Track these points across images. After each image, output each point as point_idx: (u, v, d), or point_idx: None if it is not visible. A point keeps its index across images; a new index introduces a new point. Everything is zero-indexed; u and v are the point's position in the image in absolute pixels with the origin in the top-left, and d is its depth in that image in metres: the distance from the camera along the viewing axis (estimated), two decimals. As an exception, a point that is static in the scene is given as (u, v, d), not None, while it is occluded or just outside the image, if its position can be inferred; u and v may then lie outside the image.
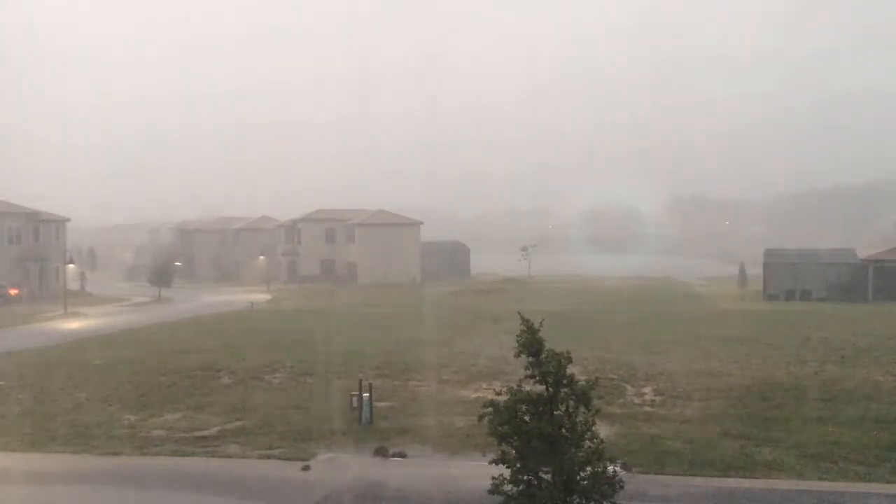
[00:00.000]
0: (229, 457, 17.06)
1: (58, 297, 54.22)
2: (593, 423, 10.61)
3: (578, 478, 10.26)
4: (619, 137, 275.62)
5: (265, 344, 32.96)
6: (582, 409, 10.45)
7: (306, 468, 15.97)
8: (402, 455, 16.81)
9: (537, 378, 10.47)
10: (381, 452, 16.88)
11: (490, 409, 10.50)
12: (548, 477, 10.29)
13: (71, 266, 58.90)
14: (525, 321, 10.60)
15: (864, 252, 61.04)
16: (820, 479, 14.94)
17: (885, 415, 19.33)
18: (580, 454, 10.31)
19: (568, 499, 10.21)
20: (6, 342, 34.91)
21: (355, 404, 19.25)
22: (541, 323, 10.71)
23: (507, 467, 10.38)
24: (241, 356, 29.48)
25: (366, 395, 19.26)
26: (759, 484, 14.76)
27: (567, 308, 46.83)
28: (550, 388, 10.35)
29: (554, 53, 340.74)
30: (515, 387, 10.65)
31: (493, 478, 10.46)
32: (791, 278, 58.43)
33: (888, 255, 57.65)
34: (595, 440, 10.52)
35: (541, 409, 10.29)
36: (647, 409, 20.71)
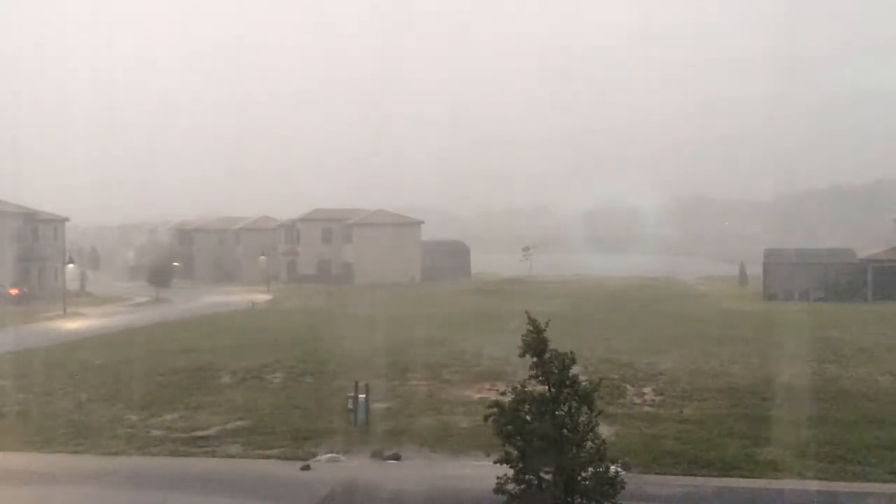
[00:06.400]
0: (229, 457, 17.06)
1: (57, 298, 54.20)
2: (596, 424, 10.61)
3: (580, 478, 10.27)
4: (620, 137, 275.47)
5: (265, 344, 32.94)
6: (584, 409, 10.46)
7: (305, 468, 15.97)
8: (396, 457, 16.77)
9: (540, 378, 10.48)
10: (377, 454, 16.86)
11: (495, 409, 10.51)
12: (550, 477, 10.30)
13: (70, 266, 58.86)
14: (531, 321, 10.61)
15: (863, 252, 61.07)
16: (820, 479, 14.95)
17: (884, 415, 19.35)
18: (582, 455, 10.31)
19: (569, 499, 10.22)
20: (6, 342, 34.88)
21: (350, 405, 19.19)
22: (546, 323, 10.71)
23: (511, 467, 10.39)
24: (241, 356, 29.47)
25: (361, 396, 19.18)
26: (759, 484, 14.77)
27: (567, 308, 46.80)
28: (553, 389, 10.35)
29: (555, 54, 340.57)
30: (519, 387, 10.66)
31: (498, 477, 10.49)
32: (790, 278, 58.46)
33: (887, 255, 57.69)
34: (597, 441, 10.53)
35: (543, 409, 10.29)
36: (648, 409, 20.73)
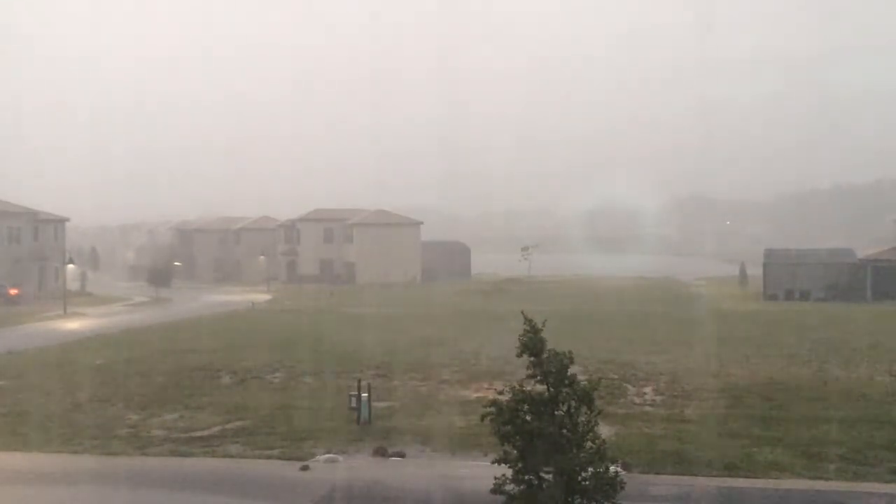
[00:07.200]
0: (229, 457, 17.06)
1: (58, 298, 54.21)
2: (595, 424, 10.59)
3: (580, 478, 10.26)
4: (620, 138, 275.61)
5: (265, 344, 32.95)
6: (584, 409, 10.44)
7: (305, 468, 15.97)
8: (401, 455, 16.82)
9: (538, 378, 10.47)
10: (380, 452, 16.89)
11: (493, 409, 10.49)
12: (549, 477, 10.28)
13: (71, 266, 58.89)
14: (528, 321, 10.59)
15: (863, 252, 61.10)
16: (820, 479, 14.95)
17: (885, 415, 19.34)
18: (582, 455, 10.30)
19: (569, 499, 10.21)
20: (6, 342, 34.89)
21: (353, 404, 19.27)
22: (543, 323, 10.71)
23: (510, 467, 10.38)
24: (241, 356, 29.49)
25: (364, 394, 19.27)
26: (759, 484, 14.76)
27: (567, 308, 46.82)
28: (552, 389, 10.34)
29: (555, 55, 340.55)
30: (517, 386, 10.64)
31: (496, 477, 10.46)
32: (790, 278, 58.49)
33: (887, 255, 57.72)
34: (597, 441, 10.51)
35: (542, 409, 10.28)
36: (648, 409, 20.73)
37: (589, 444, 10.43)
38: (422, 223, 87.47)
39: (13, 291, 58.13)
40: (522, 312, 10.84)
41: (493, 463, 10.69)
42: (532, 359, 10.48)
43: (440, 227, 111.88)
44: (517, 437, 10.31)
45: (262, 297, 63.93)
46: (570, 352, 10.61)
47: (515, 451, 10.38)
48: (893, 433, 17.60)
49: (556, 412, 10.34)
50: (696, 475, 15.24)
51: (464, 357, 28.86)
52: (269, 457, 16.91)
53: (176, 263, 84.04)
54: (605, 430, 13.36)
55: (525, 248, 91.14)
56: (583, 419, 10.46)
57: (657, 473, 15.34)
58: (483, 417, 10.70)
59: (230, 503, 14.81)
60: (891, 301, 51.69)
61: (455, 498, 14.19)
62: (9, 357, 30.82)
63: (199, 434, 18.68)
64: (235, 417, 20.13)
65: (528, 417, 10.34)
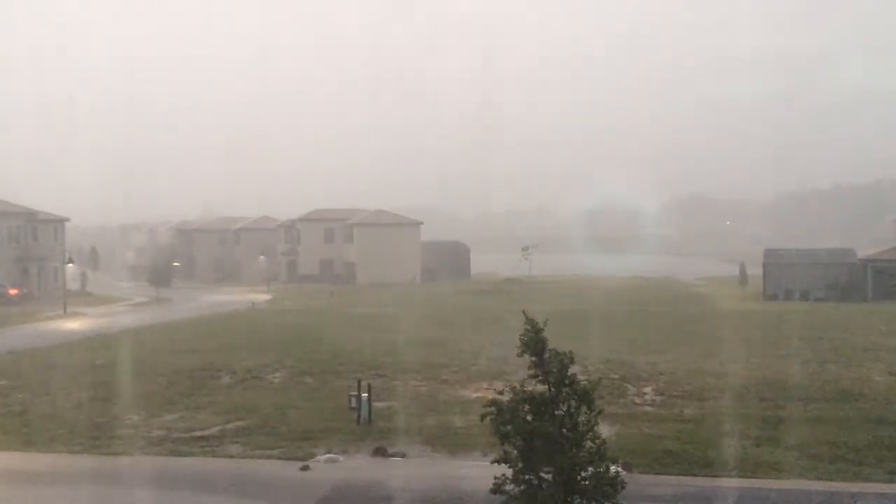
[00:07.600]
0: (230, 457, 17.07)
1: (57, 298, 54.20)
2: (595, 424, 10.58)
3: (580, 478, 10.25)
4: (619, 137, 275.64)
5: (265, 344, 32.94)
6: (584, 409, 10.44)
7: (305, 468, 15.97)
8: (401, 455, 16.82)
9: (539, 378, 10.47)
10: (380, 452, 16.89)
11: (493, 409, 10.48)
12: (549, 477, 10.28)
13: (70, 266, 58.88)
14: (529, 321, 10.59)
15: (863, 252, 61.12)
16: (820, 479, 14.95)
17: (885, 415, 19.34)
18: (582, 454, 10.29)
19: (569, 499, 10.20)
20: (6, 342, 34.88)
21: (353, 404, 19.28)
22: (544, 323, 10.70)
23: (509, 467, 10.37)
24: (241, 356, 29.48)
25: (364, 395, 19.28)
26: (759, 484, 14.77)
27: (567, 308, 46.80)
28: (552, 388, 10.34)
29: (555, 55, 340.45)
30: (518, 386, 10.64)
31: (496, 477, 10.46)
32: (790, 278, 58.50)
33: (887, 255, 57.73)
34: (597, 440, 10.50)
35: (542, 408, 10.27)
36: (648, 408, 20.74)
37: (589, 443, 10.42)
38: (422, 223, 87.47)
39: (13, 291, 58.11)
40: (524, 312, 10.83)
41: (493, 463, 10.68)
42: (533, 359, 10.47)
43: (440, 227, 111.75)
44: (517, 437, 10.29)
45: (262, 297, 63.91)
46: (570, 352, 10.60)
47: (515, 451, 10.37)
48: (893, 433, 17.60)
49: (556, 412, 10.33)
50: (696, 475, 15.25)
51: (464, 357, 28.85)
52: (269, 457, 16.92)
53: (176, 263, 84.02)
54: (605, 430, 13.35)
55: (525, 248, 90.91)
56: (583, 419, 10.45)
57: (657, 473, 15.35)
58: (483, 417, 10.69)
59: (230, 503, 14.82)
60: (891, 301, 51.68)
61: (455, 498, 14.19)
62: (9, 357, 30.82)
63: (199, 434, 18.69)
64: (235, 417, 20.14)
65: (528, 417, 10.33)
